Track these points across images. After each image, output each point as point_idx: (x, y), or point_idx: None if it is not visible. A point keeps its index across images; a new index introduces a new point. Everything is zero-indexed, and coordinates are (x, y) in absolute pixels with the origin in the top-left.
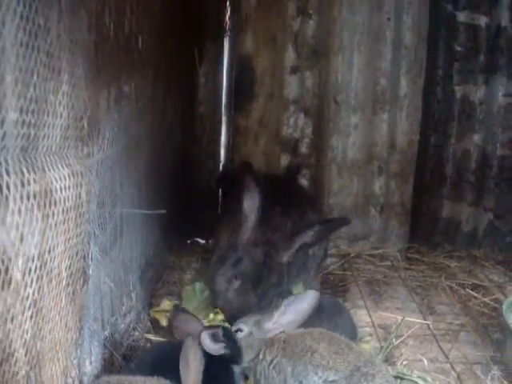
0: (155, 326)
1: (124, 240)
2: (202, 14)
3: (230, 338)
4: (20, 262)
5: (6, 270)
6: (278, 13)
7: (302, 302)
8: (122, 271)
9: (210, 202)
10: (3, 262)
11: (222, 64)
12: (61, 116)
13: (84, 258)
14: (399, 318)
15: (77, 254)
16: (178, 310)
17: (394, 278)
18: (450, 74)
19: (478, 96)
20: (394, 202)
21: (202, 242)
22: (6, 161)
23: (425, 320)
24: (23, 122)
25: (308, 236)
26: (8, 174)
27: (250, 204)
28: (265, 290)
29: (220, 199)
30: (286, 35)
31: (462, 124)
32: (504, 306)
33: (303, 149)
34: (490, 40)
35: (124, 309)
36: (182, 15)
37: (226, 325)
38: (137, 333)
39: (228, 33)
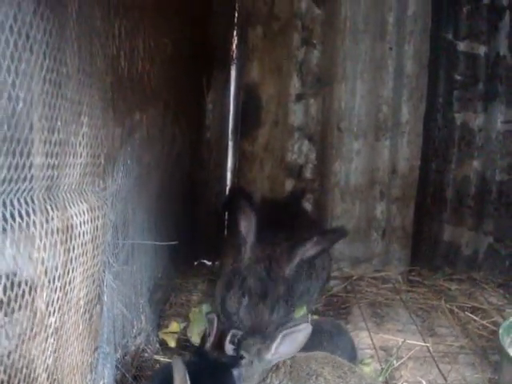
0: (164, 347)
1: (135, 264)
2: (210, 44)
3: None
4: (45, 294)
5: (32, 301)
6: (284, 43)
7: (297, 335)
8: (132, 294)
9: (217, 224)
10: (30, 293)
11: (229, 91)
12: (80, 155)
13: (99, 285)
14: (400, 340)
15: (93, 282)
16: None
17: (395, 301)
18: (450, 102)
19: (477, 123)
20: (395, 226)
21: (209, 263)
22: (33, 201)
23: (425, 342)
24: (48, 164)
25: (308, 248)
26: (34, 213)
27: (246, 225)
28: (273, 302)
29: (226, 222)
30: (291, 64)
31: (461, 150)
32: (501, 330)
33: (307, 174)
34: (488, 68)
35: (134, 331)
36: (191, 46)
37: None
38: (146, 354)
39: (235, 61)
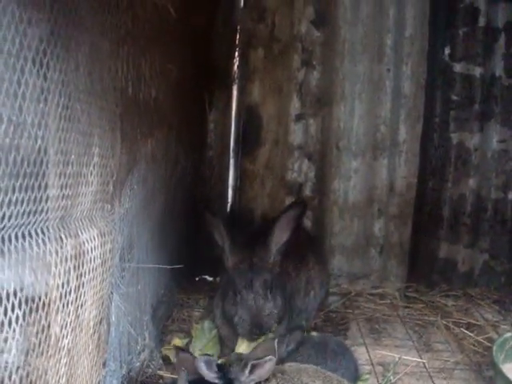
0: (167, 362)
1: (139, 283)
2: (213, 65)
3: (222, 369)
4: (59, 317)
5: (48, 325)
6: (284, 64)
7: (264, 364)
8: (137, 312)
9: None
10: (46, 318)
11: (231, 110)
12: (92, 184)
13: (107, 306)
14: (397, 356)
15: (102, 304)
16: (178, 351)
17: (392, 317)
18: (446, 122)
19: (473, 142)
20: (393, 243)
21: (210, 279)
22: (48, 230)
23: (421, 358)
24: (62, 195)
25: (278, 232)
26: (50, 241)
27: (218, 234)
28: (264, 290)
29: None
30: (292, 85)
31: (458, 169)
32: (495, 346)
33: (307, 192)
34: (484, 89)
35: (139, 347)
36: (194, 68)
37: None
38: (150, 370)
39: (236, 82)
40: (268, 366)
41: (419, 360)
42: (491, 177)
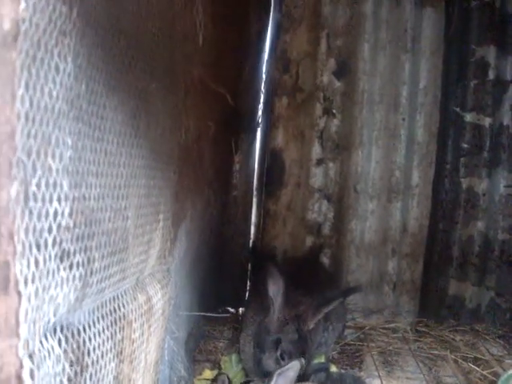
0: None
1: (179, 320)
2: (239, 112)
3: None
4: (135, 364)
5: (128, 373)
6: (306, 112)
7: (289, 372)
8: (175, 347)
9: (240, 274)
10: (127, 367)
11: (254, 153)
12: (157, 245)
13: (163, 348)
14: None
15: (161, 348)
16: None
17: (404, 350)
18: (457, 168)
19: (481, 187)
20: (405, 280)
21: (232, 310)
22: (129, 291)
23: None
24: (139, 261)
25: (331, 307)
26: (130, 301)
27: (275, 289)
28: (309, 358)
29: (249, 273)
30: (313, 131)
31: (467, 212)
32: (499, 383)
33: (325, 231)
34: (493, 138)
35: (176, 380)
36: (224, 116)
37: None
38: None
39: (260, 126)
40: (292, 372)
41: None
42: (498, 219)
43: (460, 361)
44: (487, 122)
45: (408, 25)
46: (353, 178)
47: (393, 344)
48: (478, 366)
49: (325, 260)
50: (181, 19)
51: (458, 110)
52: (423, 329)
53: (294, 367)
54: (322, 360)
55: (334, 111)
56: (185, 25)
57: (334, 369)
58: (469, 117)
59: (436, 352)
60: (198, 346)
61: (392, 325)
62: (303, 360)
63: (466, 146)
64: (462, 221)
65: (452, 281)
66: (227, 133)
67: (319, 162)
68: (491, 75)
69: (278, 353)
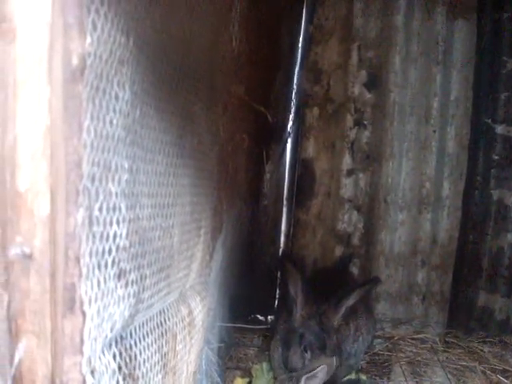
0: None
1: (214, 328)
2: (270, 122)
3: None
4: (177, 375)
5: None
6: (337, 123)
7: (316, 376)
8: (213, 356)
9: (269, 282)
10: (172, 378)
11: (285, 162)
12: (198, 259)
13: (201, 358)
14: None
15: (199, 358)
16: None
17: (432, 361)
18: (487, 180)
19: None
20: (434, 291)
21: (261, 318)
22: (173, 304)
23: None
24: (182, 275)
25: (351, 299)
26: (175, 315)
27: (294, 286)
28: (332, 352)
29: (278, 280)
30: (344, 142)
31: (497, 224)
32: None
33: (355, 241)
34: None
35: None
36: (256, 128)
37: None
38: None
39: (291, 136)
40: (321, 375)
41: None
42: None
43: (488, 372)
44: None
45: (439, 37)
46: (383, 189)
47: (421, 354)
48: (507, 377)
49: (354, 270)
50: (220, 38)
51: (489, 121)
52: (452, 340)
53: (322, 371)
54: (353, 377)
55: (365, 122)
56: (223, 43)
57: (363, 377)
58: (499, 129)
59: (464, 363)
60: (229, 353)
61: (421, 335)
62: (335, 359)
63: (496, 157)
64: (492, 233)
65: (481, 292)
66: (259, 143)
67: (349, 172)
68: None
69: (302, 347)
